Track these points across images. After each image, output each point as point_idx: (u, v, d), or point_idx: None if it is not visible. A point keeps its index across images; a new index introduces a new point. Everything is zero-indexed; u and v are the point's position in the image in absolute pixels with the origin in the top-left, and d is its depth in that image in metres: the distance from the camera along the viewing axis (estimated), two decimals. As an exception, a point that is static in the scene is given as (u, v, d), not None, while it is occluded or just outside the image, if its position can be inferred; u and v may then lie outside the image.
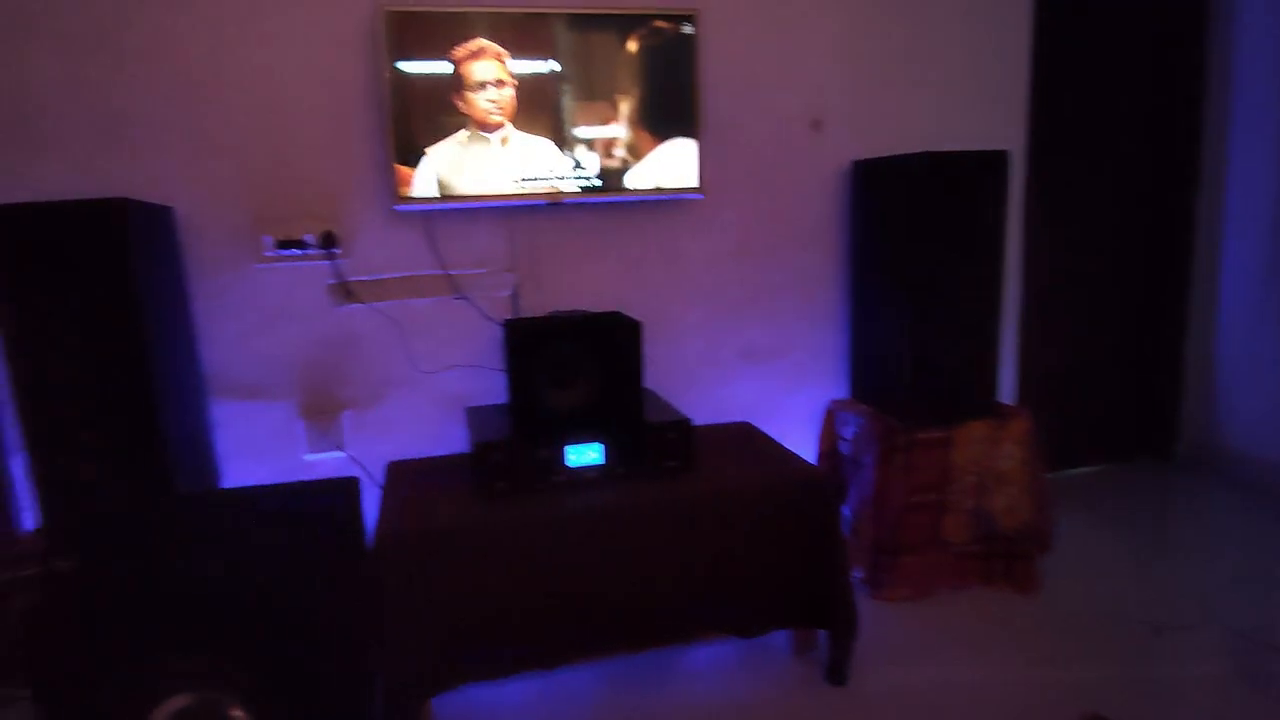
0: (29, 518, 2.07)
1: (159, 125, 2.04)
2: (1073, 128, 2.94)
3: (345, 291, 2.22)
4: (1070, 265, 3.04)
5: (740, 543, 1.88)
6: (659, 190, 2.29)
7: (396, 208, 2.13)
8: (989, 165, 2.19)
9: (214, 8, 2.03)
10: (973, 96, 2.64)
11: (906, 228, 2.24)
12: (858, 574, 2.32)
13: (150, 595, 1.45)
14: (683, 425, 1.98)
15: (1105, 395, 3.23)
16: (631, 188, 2.27)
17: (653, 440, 1.96)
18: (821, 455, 2.58)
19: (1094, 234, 3.07)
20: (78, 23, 1.96)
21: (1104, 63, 2.95)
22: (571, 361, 1.97)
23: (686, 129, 2.27)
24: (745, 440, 2.24)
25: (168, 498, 1.76)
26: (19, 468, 2.05)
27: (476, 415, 2.14)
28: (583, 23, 2.16)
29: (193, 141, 2.07)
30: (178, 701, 1.36)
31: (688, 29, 2.22)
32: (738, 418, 2.51)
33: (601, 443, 1.92)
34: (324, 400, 2.27)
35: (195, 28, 2.03)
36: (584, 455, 1.91)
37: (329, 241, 2.17)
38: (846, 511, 2.41)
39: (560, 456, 1.90)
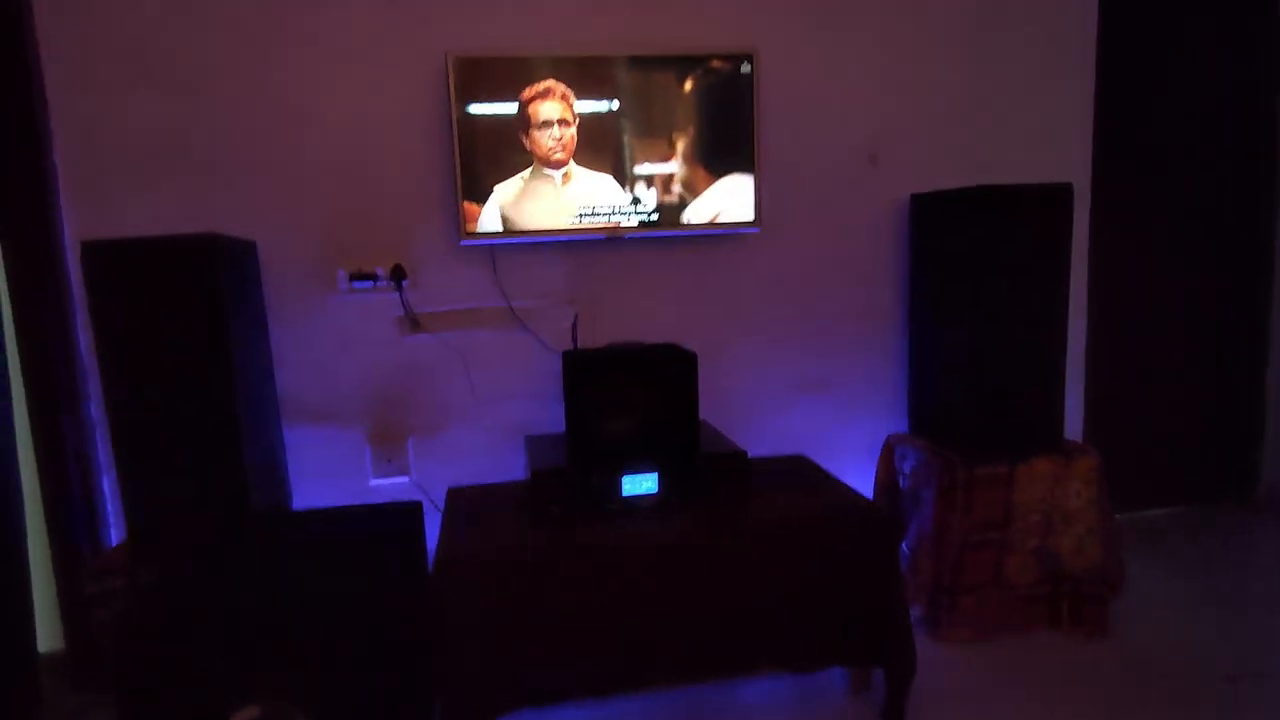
0: (115, 533, 2.20)
1: (246, 167, 2.18)
2: (1142, 158, 2.88)
3: (412, 322, 2.31)
4: (1141, 299, 2.96)
5: (794, 577, 1.87)
6: (716, 224, 2.33)
7: (463, 243, 2.22)
8: (1051, 198, 2.16)
9: (298, 61, 2.17)
10: (1035, 129, 2.62)
11: (966, 262, 2.22)
12: (916, 613, 2.28)
13: (225, 608, 1.52)
14: (737, 456, 1.99)
15: (1180, 433, 3.10)
16: (688, 222, 2.32)
17: (707, 471, 1.97)
18: (879, 490, 2.55)
19: (1166, 266, 2.98)
20: (179, 75, 2.12)
21: (1174, 91, 2.89)
22: (628, 392, 2.01)
23: (743, 165, 2.31)
24: (801, 473, 2.23)
25: (244, 517, 1.85)
26: (109, 485, 2.18)
27: (535, 443, 2.19)
28: (643, 64, 2.24)
29: (276, 181, 2.20)
30: (248, 712, 1.43)
31: (745, 68, 2.27)
32: (794, 450, 2.50)
33: (656, 472, 1.94)
34: (390, 427, 2.36)
35: (281, 78, 2.17)
36: (639, 484, 1.94)
37: (398, 274, 2.27)
38: (905, 548, 2.37)
39: (616, 485, 1.93)
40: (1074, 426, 2.74)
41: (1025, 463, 2.22)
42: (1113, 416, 2.92)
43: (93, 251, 1.76)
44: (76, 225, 2.10)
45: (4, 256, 2.00)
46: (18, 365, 2.04)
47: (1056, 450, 2.26)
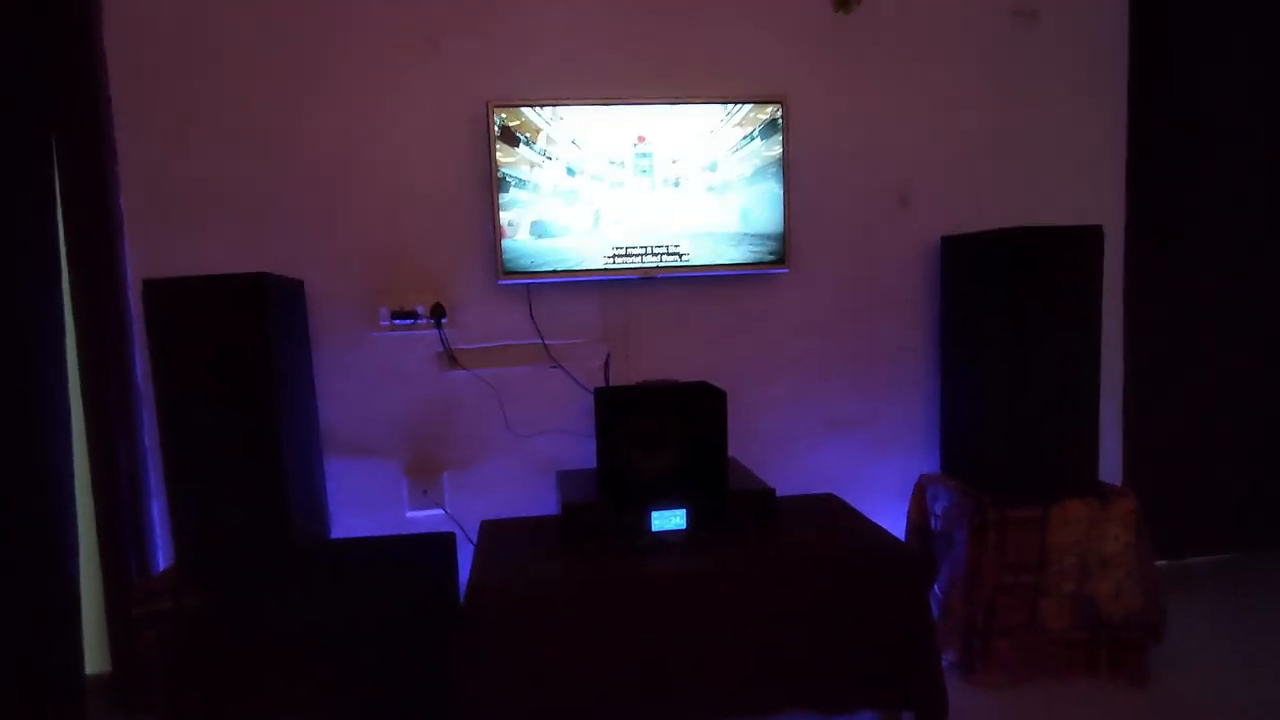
0: (163, 557, 2.28)
1: (296, 210, 2.29)
2: (1177, 197, 2.87)
3: (450, 359, 2.39)
4: (1183, 338, 2.91)
5: (823, 616, 1.87)
6: (746, 265, 2.38)
7: (500, 282, 2.30)
8: (1081, 240, 2.17)
9: (346, 109, 2.29)
10: (1067, 164, 2.64)
11: (997, 303, 2.23)
12: (949, 657, 2.25)
13: (267, 630, 1.57)
14: (766, 494, 2.01)
15: (1229, 477, 3.02)
16: (719, 262, 2.37)
17: (736, 508, 1.99)
18: (911, 530, 2.53)
19: (1207, 305, 2.93)
20: (233, 123, 2.25)
21: (1206, 117, 2.88)
22: (658, 429, 2.04)
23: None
24: (830, 512, 2.23)
25: (286, 544, 1.91)
26: (158, 510, 2.26)
27: (567, 478, 2.23)
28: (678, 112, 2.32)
29: (324, 224, 2.31)
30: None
31: (776, 115, 2.34)
32: (824, 489, 2.50)
33: (685, 508, 1.96)
34: (426, 460, 2.42)
35: (329, 126, 2.29)
36: (668, 520, 1.96)
37: (438, 312, 2.35)
38: (938, 590, 2.34)
39: (645, 520, 1.95)
40: (1113, 468, 2.70)
41: (1059, 504, 2.20)
42: (1155, 459, 2.87)
43: (153, 289, 1.86)
44: (138, 263, 2.22)
45: (72, 293, 2.12)
46: (79, 393, 2.14)
47: (1092, 492, 2.23)
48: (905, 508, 2.58)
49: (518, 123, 2.24)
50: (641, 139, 2.30)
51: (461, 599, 1.82)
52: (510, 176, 2.25)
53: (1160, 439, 2.89)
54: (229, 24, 2.23)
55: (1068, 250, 2.16)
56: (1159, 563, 2.55)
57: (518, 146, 2.25)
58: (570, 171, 2.28)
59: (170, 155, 2.23)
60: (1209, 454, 3.00)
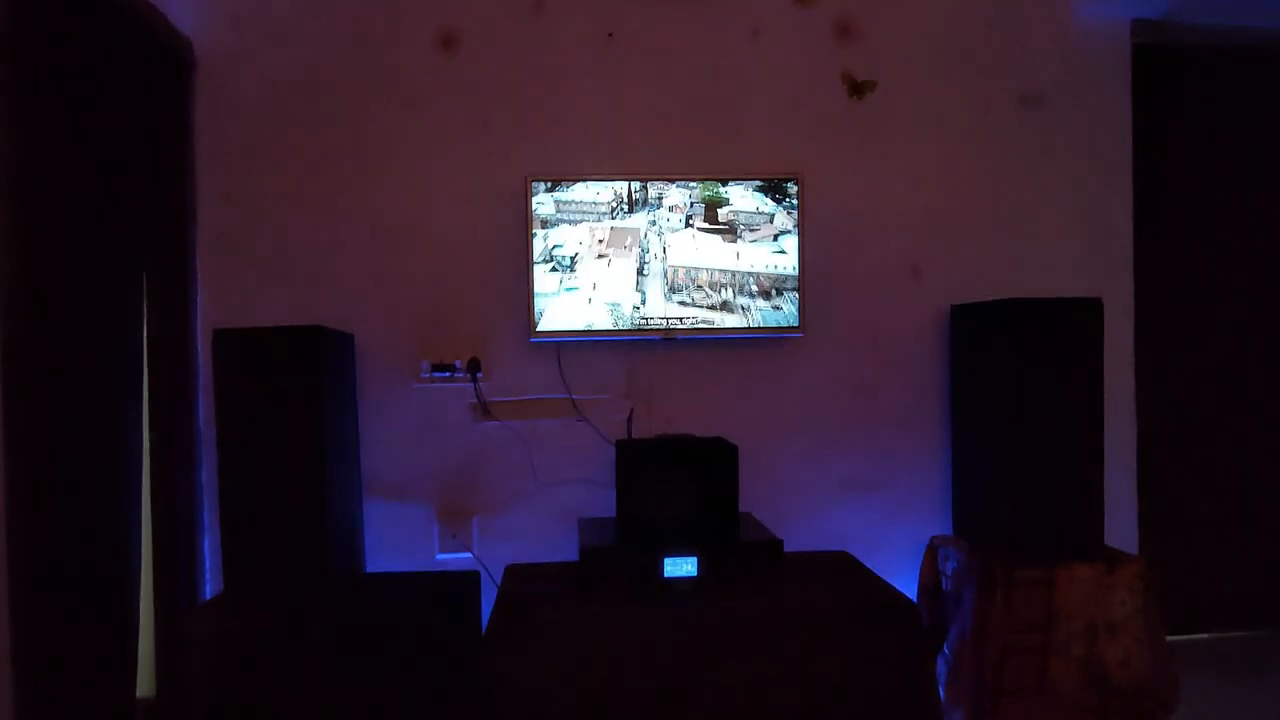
0: (210, 587, 2.44)
1: (351, 269, 2.52)
2: (1185, 267, 2.97)
3: (484, 410, 2.56)
4: (1195, 406, 2.96)
5: (828, 668, 1.94)
6: (762, 329, 2.52)
7: (532, 340, 2.48)
8: (1081, 310, 2.28)
9: (400, 180, 2.54)
10: (1077, 241, 2.74)
11: (1002, 370, 2.33)
12: (958, 717, 2.27)
13: (305, 658, 1.71)
14: (774, 545, 2.11)
15: (1250, 549, 3.00)
16: (737, 326, 2.52)
17: (745, 557, 2.09)
18: (922, 590, 2.58)
19: (1218, 372, 2.98)
20: (300, 193, 2.51)
21: (1213, 203, 2.99)
22: (674, 480, 2.17)
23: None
24: (841, 568, 2.31)
25: (325, 577, 2.06)
26: (208, 545, 2.44)
27: (587, 525, 2.36)
28: (700, 185, 2.51)
29: (375, 282, 2.53)
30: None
31: (792, 188, 2.51)
32: (837, 546, 2.58)
33: (696, 556, 2.07)
34: (457, 505, 2.57)
35: (385, 195, 2.53)
36: (680, 567, 2.07)
37: (474, 366, 2.53)
38: (947, 650, 2.38)
39: (658, 566, 2.06)
40: (1128, 536, 2.72)
41: (1065, 566, 2.24)
42: (1172, 528, 2.88)
43: (222, 338, 2.08)
44: (208, 316, 2.45)
45: (148, 342, 2.34)
46: (147, 433, 2.34)
47: (1098, 556, 2.28)
48: (918, 568, 2.64)
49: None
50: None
51: (483, 634, 1.94)
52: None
53: (1176, 509, 2.91)
54: (301, 106, 2.51)
55: (1068, 320, 2.27)
56: (1178, 636, 2.55)
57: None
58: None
59: (243, 221, 2.49)
60: (1228, 525, 2.99)
